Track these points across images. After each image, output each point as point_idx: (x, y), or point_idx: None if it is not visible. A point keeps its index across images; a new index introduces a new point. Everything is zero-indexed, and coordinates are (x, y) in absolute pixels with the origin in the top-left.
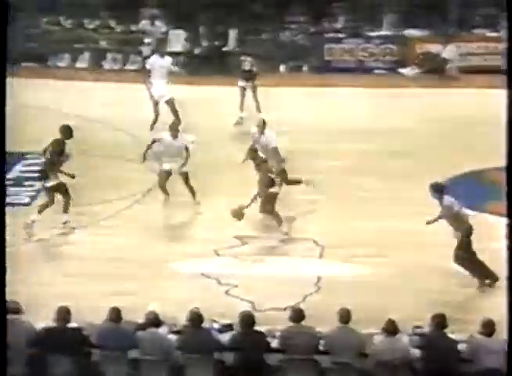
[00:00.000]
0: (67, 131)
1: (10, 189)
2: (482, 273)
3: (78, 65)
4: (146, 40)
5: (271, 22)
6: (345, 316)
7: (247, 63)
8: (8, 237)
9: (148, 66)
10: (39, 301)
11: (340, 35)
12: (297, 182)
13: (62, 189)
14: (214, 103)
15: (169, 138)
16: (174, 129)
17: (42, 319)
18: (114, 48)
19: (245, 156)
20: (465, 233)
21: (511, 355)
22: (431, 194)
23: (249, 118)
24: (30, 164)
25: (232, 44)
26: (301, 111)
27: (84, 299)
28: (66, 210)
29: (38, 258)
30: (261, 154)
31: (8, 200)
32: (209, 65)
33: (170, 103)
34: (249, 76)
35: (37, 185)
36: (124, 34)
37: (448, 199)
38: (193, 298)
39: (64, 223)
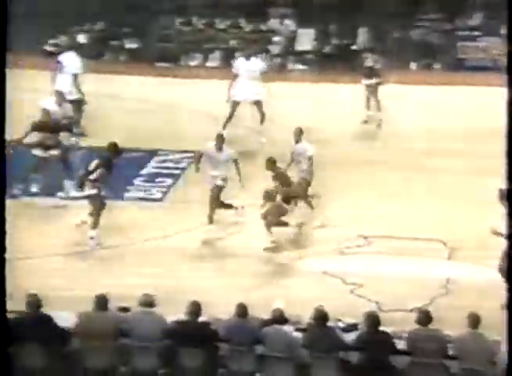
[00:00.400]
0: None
1: (143, 185)
2: None
3: (209, 64)
4: (275, 38)
5: (402, 20)
6: (475, 321)
7: (370, 60)
8: (138, 233)
9: (234, 70)
10: (167, 295)
11: (475, 33)
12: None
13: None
14: (342, 102)
15: (214, 150)
16: (220, 141)
17: (171, 313)
18: (243, 47)
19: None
20: None
21: (511, 355)
22: None
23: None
24: (161, 161)
25: (361, 42)
26: (431, 109)
27: (211, 294)
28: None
29: (164, 253)
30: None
31: (141, 195)
32: (338, 63)
33: (258, 104)
34: (371, 73)
35: (169, 181)
36: (253, 33)
37: None
38: (318, 296)
39: (91, 238)
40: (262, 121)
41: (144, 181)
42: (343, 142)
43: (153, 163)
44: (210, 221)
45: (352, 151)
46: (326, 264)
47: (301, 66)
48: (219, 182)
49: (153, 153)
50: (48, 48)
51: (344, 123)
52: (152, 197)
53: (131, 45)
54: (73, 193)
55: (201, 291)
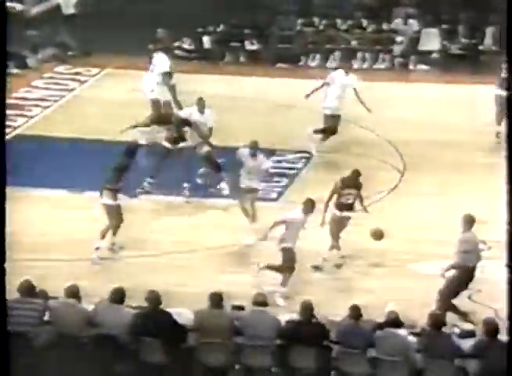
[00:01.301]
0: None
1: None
2: None
3: (329, 65)
4: (398, 38)
5: None
6: None
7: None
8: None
9: (328, 80)
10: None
11: None
12: None
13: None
14: (469, 102)
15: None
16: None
17: (285, 312)
18: (365, 48)
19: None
20: None
21: (511, 354)
22: None
23: None
24: (278, 161)
25: (489, 42)
26: None
27: (322, 295)
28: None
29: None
30: None
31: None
32: (465, 63)
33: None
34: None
35: (285, 181)
36: (376, 33)
37: None
38: (433, 300)
39: (113, 244)
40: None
41: (261, 180)
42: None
43: (270, 162)
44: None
45: (473, 153)
46: (441, 267)
47: (424, 67)
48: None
49: (270, 153)
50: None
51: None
52: (268, 196)
53: (251, 46)
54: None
55: (313, 292)
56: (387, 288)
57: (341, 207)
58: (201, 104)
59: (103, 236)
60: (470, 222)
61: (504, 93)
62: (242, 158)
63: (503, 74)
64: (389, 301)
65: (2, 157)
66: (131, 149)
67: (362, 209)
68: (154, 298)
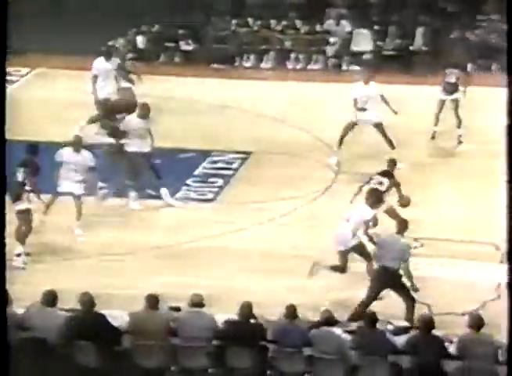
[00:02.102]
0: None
1: (196, 186)
2: None
3: (263, 65)
4: (331, 39)
5: (461, 20)
6: None
7: (453, 75)
8: (189, 234)
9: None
10: (218, 295)
11: None
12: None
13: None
14: (401, 102)
15: None
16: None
17: (222, 313)
18: (298, 49)
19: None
20: None
21: (511, 354)
22: None
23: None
24: (214, 162)
25: (419, 42)
26: (489, 113)
27: (258, 295)
28: (23, 241)
29: (216, 253)
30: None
31: (193, 195)
32: (395, 64)
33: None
34: (452, 89)
35: (220, 182)
36: (309, 34)
37: None
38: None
39: (18, 256)
40: (390, 144)
41: (197, 181)
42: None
43: (205, 164)
44: None
45: (412, 151)
46: None
47: (357, 67)
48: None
49: (206, 153)
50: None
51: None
52: (204, 197)
53: (186, 46)
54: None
55: (252, 292)
56: (320, 287)
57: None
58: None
59: (23, 242)
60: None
61: (448, 97)
62: (62, 158)
63: (448, 79)
64: (322, 300)
65: (2, 163)
66: (33, 147)
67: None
68: (87, 301)
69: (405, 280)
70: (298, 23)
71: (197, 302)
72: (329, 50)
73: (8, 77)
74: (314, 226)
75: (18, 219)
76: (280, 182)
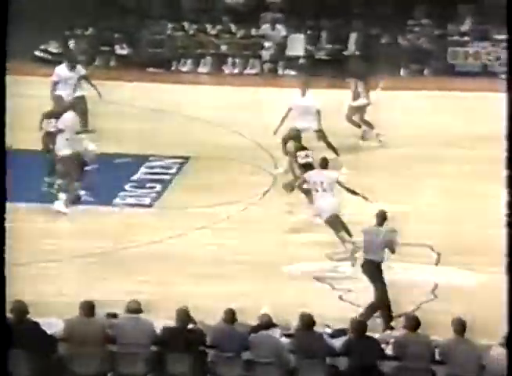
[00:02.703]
0: None
1: (134, 191)
2: None
3: (200, 70)
4: (266, 44)
5: (393, 25)
6: (460, 326)
7: (353, 83)
8: (128, 240)
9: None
10: (157, 301)
11: (466, 38)
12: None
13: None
14: (332, 107)
15: None
16: None
17: (162, 319)
18: (234, 53)
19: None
20: None
21: (511, 353)
22: None
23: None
24: (152, 167)
25: (352, 47)
26: (422, 115)
27: (198, 300)
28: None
29: (155, 259)
30: None
31: (131, 201)
32: (329, 69)
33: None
34: (358, 95)
35: (158, 187)
36: (245, 39)
37: None
38: (306, 301)
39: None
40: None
41: (134, 187)
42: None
43: (143, 169)
44: None
45: (345, 155)
46: (314, 269)
47: (292, 72)
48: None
49: (143, 158)
50: (38, 53)
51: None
52: (141, 202)
53: (122, 50)
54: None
55: (191, 297)
56: (260, 291)
57: None
58: None
59: None
60: (381, 217)
61: (356, 104)
62: None
63: (358, 89)
64: (263, 304)
65: (3, 167)
66: None
67: None
68: (20, 309)
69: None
70: (234, 27)
71: (135, 309)
72: (265, 54)
73: None
74: (253, 231)
75: None
76: (218, 187)
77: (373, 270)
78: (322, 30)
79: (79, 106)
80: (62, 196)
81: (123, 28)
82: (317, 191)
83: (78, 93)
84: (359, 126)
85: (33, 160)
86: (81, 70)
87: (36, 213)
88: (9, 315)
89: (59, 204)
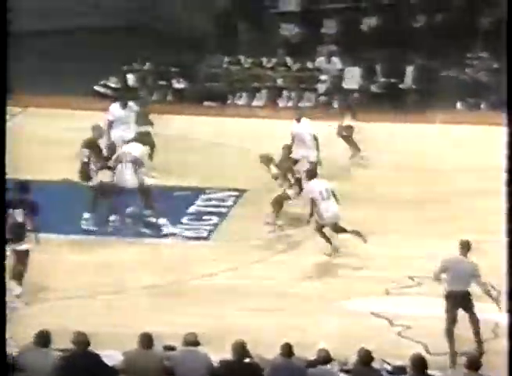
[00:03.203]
0: None
1: (191, 223)
2: None
3: (255, 103)
4: (322, 77)
5: (450, 58)
6: None
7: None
8: (184, 272)
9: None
10: (214, 334)
11: None
12: None
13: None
14: (390, 139)
15: None
16: None
17: (218, 352)
18: (290, 86)
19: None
20: None
21: (511, 353)
22: None
23: None
24: (209, 199)
25: (408, 81)
26: (479, 149)
27: (255, 333)
28: (20, 281)
29: (211, 291)
30: None
31: (188, 233)
32: (385, 102)
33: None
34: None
35: (215, 219)
36: (300, 72)
37: None
38: (364, 337)
39: (17, 297)
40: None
41: (191, 219)
42: (388, 180)
43: (200, 201)
44: None
45: (396, 189)
46: (372, 304)
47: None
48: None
49: (200, 191)
50: (98, 88)
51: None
52: (198, 235)
53: (178, 84)
54: None
55: (248, 330)
56: (317, 325)
57: None
58: None
59: (20, 282)
60: (465, 248)
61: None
62: None
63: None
64: (320, 338)
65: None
66: (24, 185)
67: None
68: (82, 340)
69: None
70: (289, 60)
71: (192, 341)
72: (320, 88)
73: None
74: (308, 264)
75: (16, 259)
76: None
77: (465, 300)
78: (377, 63)
79: (146, 139)
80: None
81: (180, 62)
82: (322, 199)
83: (142, 128)
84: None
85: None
86: (133, 106)
87: (91, 245)
88: (71, 346)
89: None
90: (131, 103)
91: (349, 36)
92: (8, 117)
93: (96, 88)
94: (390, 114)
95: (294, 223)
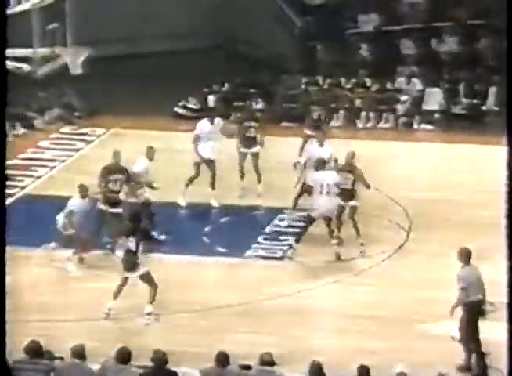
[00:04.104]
0: None
1: (266, 243)
2: None
3: (333, 124)
4: (402, 98)
5: None
6: None
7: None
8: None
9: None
10: (289, 354)
11: None
12: None
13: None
14: (473, 162)
15: None
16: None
17: (294, 372)
18: (369, 107)
19: None
20: None
21: (511, 355)
22: None
23: None
24: (285, 219)
25: (491, 102)
26: None
27: (329, 355)
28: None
29: (286, 312)
30: None
31: (263, 253)
32: (467, 123)
33: None
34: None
35: (291, 240)
36: (379, 93)
37: None
38: (442, 362)
39: (148, 314)
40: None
41: (266, 239)
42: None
43: (276, 221)
44: None
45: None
46: (453, 328)
47: (428, 126)
48: None
49: (277, 211)
50: (178, 110)
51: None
52: (273, 255)
53: (256, 105)
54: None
55: (324, 351)
56: (394, 349)
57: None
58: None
59: (115, 297)
60: (466, 255)
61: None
62: None
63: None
64: (397, 362)
65: (3, 219)
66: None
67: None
68: (160, 358)
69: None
70: (368, 81)
71: (268, 361)
72: (400, 108)
73: (85, 137)
74: (386, 286)
75: (145, 283)
76: (351, 242)
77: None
78: (459, 83)
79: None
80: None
81: (258, 83)
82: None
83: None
84: None
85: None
86: (219, 122)
87: (166, 263)
88: (149, 364)
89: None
90: (218, 120)
91: (430, 56)
92: (94, 138)
93: (176, 109)
94: (472, 136)
95: (374, 244)
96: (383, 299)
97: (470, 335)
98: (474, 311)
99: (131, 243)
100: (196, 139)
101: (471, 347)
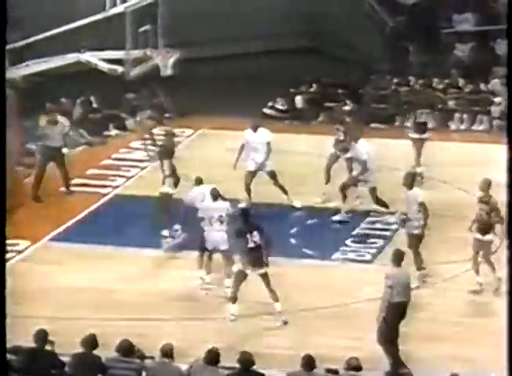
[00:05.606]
0: None
1: (354, 246)
2: None
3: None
4: (497, 99)
5: None
6: None
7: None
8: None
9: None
10: (376, 358)
11: None
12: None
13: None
14: None
15: None
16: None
17: None
18: (462, 109)
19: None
20: None
21: (511, 356)
22: None
23: None
24: (373, 222)
25: None
26: None
27: (419, 360)
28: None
29: (374, 315)
30: None
31: (351, 256)
32: None
33: None
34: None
35: (380, 243)
36: (473, 94)
37: None
38: None
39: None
40: None
41: (355, 242)
42: None
43: (364, 224)
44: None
45: None
46: None
47: None
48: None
49: (365, 214)
50: (267, 111)
51: None
52: (362, 258)
53: (345, 106)
54: None
55: (410, 357)
56: (486, 357)
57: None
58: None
59: (234, 301)
60: (399, 257)
61: (418, 136)
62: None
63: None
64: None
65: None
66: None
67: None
68: (246, 360)
69: None
70: (462, 81)
71: (355, 365)
72: (494, 110)
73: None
74: (476, 292)
75: (263, 281)
76: (441, 245)
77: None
78: None
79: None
80: None
81: (347, 84)
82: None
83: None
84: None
85: None
86: (264, 134)
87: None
88: (236, 365)
89: None
90: (262, 130)
91: None
92: (183, 138)
93: (265, 110)
94: None
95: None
96: (474, 305)
97: (389, 337)
98: (396, 312)
99: (256, 238)
100: (241, 149)
101: (391, 351)
